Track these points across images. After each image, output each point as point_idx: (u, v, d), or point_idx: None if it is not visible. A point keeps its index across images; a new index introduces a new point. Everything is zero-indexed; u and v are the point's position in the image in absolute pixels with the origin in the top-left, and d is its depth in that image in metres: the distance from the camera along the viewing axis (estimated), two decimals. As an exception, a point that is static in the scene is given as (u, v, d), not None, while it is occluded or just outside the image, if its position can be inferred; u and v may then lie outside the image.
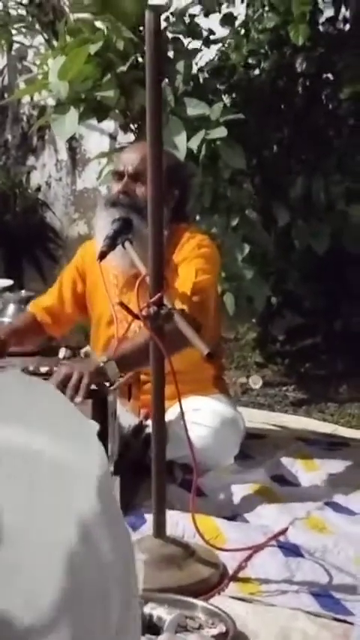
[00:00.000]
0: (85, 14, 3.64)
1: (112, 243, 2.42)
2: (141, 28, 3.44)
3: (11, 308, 3.89)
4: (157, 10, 2.05)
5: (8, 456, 0.55)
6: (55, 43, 4.14)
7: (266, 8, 3.84)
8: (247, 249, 3.69)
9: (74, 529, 0.56)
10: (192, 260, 2.56)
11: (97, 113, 3.66)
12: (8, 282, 4.67)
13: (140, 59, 3.49)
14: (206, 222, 3.67)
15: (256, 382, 3.92)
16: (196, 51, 3.83)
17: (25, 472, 0.55)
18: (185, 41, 3.83)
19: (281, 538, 2.12)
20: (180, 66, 3.63)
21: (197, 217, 3.68)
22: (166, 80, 3.56)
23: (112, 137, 5.06)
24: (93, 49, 3.45)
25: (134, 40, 3.49)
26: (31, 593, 0.54)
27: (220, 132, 3.42)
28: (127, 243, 2.38)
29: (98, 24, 3.59)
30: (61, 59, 3.49)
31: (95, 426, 0.62)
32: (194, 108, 3.48)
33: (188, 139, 3.40)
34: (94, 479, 0.58)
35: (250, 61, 3.90)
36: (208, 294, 2.55)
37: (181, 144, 3.38)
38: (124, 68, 3.50)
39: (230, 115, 3.49)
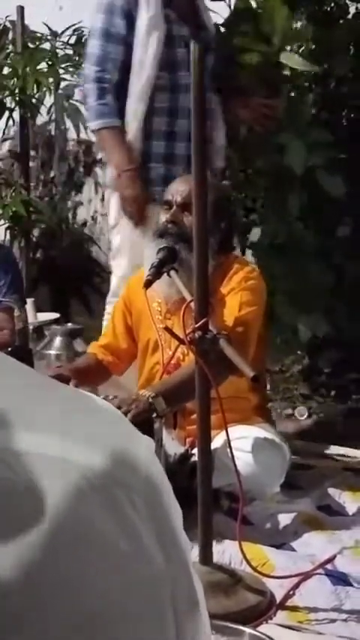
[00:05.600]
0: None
1: (157, 272, 2.45)
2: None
3: (57, 341, 3.94)
4: (203, 41, 2.08)
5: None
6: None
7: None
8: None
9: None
10: (238, 292, 2.58)
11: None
12: (54, 315, 4.73)
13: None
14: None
15: (302, 414, 3.89)
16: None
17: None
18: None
19: (329, 567, 2.09)
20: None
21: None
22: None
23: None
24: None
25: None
26: None
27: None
28: (172, 272, 2.40)
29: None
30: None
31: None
32: None
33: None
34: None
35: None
36: (251, 327, 2.56)
37: None
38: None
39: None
